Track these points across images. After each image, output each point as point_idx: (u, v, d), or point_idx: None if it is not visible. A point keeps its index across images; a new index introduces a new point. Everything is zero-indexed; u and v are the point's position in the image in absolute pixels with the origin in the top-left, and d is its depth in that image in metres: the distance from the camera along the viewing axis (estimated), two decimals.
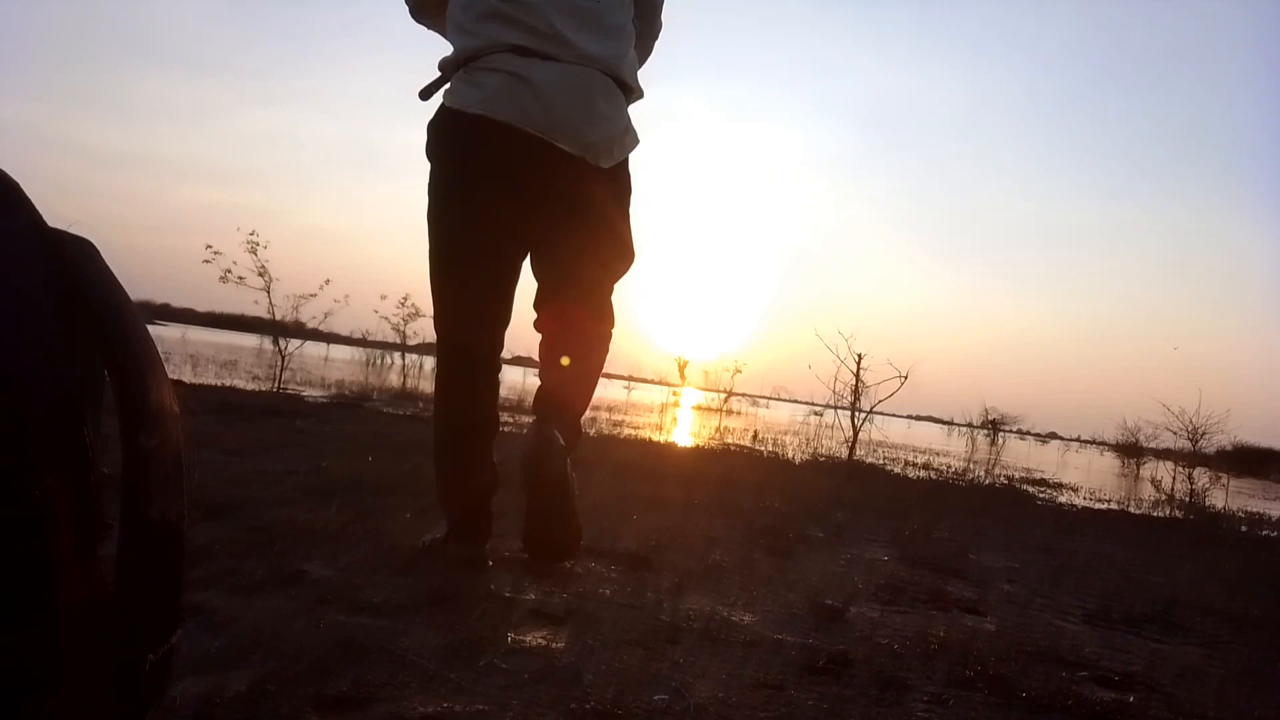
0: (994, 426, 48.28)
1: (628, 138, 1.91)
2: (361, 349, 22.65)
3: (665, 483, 4.53)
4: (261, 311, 9.30)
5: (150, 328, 0.83)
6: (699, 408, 27.64)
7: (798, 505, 4.40)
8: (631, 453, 5.74)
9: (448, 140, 1.87)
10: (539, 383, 2.13)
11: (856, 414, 6.79)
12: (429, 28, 2.13)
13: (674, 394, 54.40)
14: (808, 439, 13.89)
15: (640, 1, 2.06)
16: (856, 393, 6.63)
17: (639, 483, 4.39)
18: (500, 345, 2.01)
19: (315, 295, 9.62)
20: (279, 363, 9.87)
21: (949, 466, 10.33)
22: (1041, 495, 7.54)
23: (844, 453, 7.13)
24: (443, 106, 1.92)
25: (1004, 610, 2.66)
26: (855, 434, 6.79)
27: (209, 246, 8.82)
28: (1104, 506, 7.38)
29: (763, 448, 9.68)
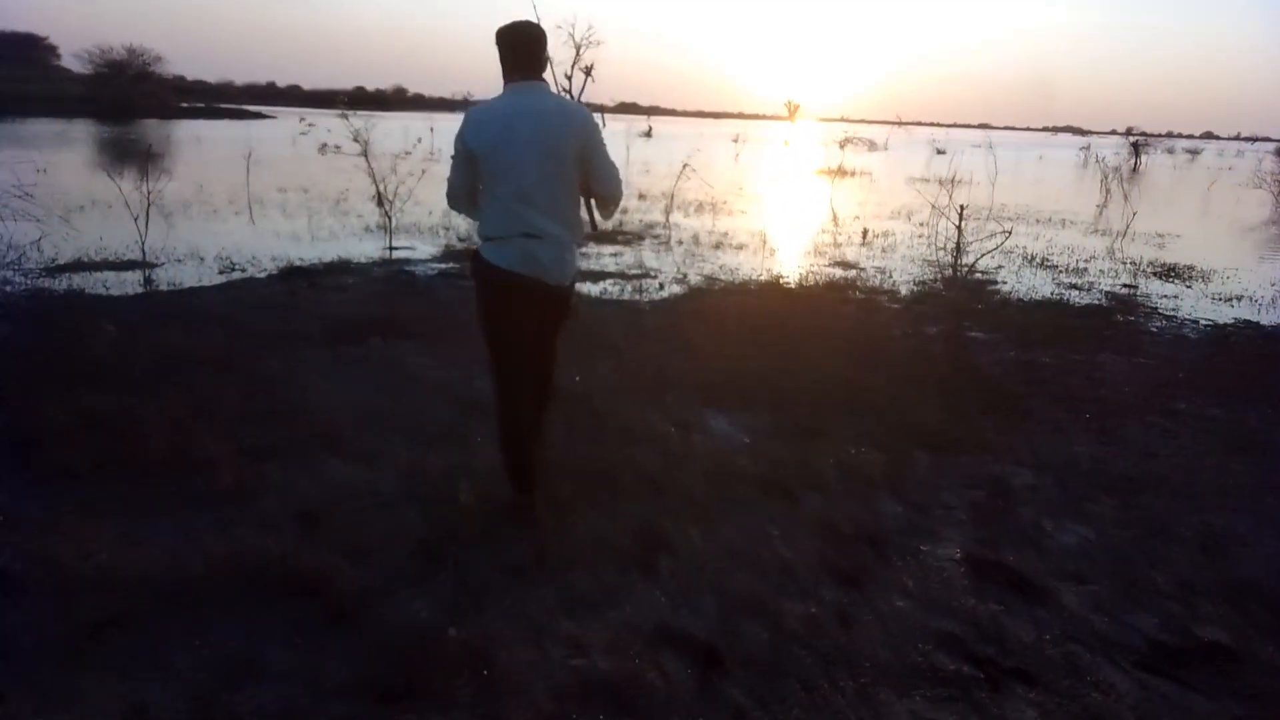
0: (1135, 149, 45.06)
1: (575, 267, 3.37)
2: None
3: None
4: None
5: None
6: (809, 167, 26.85)
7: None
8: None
9: (487, 276, 3.26)
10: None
11: (959, 263, 6.68)
12: (459, 213, 3.49)
13: (785, 143, 52.48)
14: (918, 228, 13.48)
15: (592, 179, 3.31)
16: (959, 248, 6.50)
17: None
18: (528, 364, 3.37)
19: None
20: (389, 224, 10.29)
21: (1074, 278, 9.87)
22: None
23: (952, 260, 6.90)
24: (482, 257, 3.26)
25: None
26: (957, 262, 6.66)
27: None
28: None
29: (867, 262, 9.55)
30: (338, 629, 2.56)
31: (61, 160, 18.57)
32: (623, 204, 14.57)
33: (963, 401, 4.94)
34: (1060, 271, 10.11)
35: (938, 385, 5.22)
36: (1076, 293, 8.82)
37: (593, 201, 3.42)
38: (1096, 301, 8.40)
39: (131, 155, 20.44)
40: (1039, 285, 9.13)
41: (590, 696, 2.27)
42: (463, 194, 3.34)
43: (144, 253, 8.40)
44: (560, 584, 2.84)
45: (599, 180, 3.31)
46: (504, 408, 3.33)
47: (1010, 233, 6.04)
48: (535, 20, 3.35)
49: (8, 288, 7.02)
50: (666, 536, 3.18)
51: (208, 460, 3.64)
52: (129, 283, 7.47)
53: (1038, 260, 10.85)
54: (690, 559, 3.02)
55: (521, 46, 3.23)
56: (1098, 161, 32.32)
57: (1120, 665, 2.54)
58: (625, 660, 2.44)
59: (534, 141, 3.16)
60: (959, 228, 6.48)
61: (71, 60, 62.33)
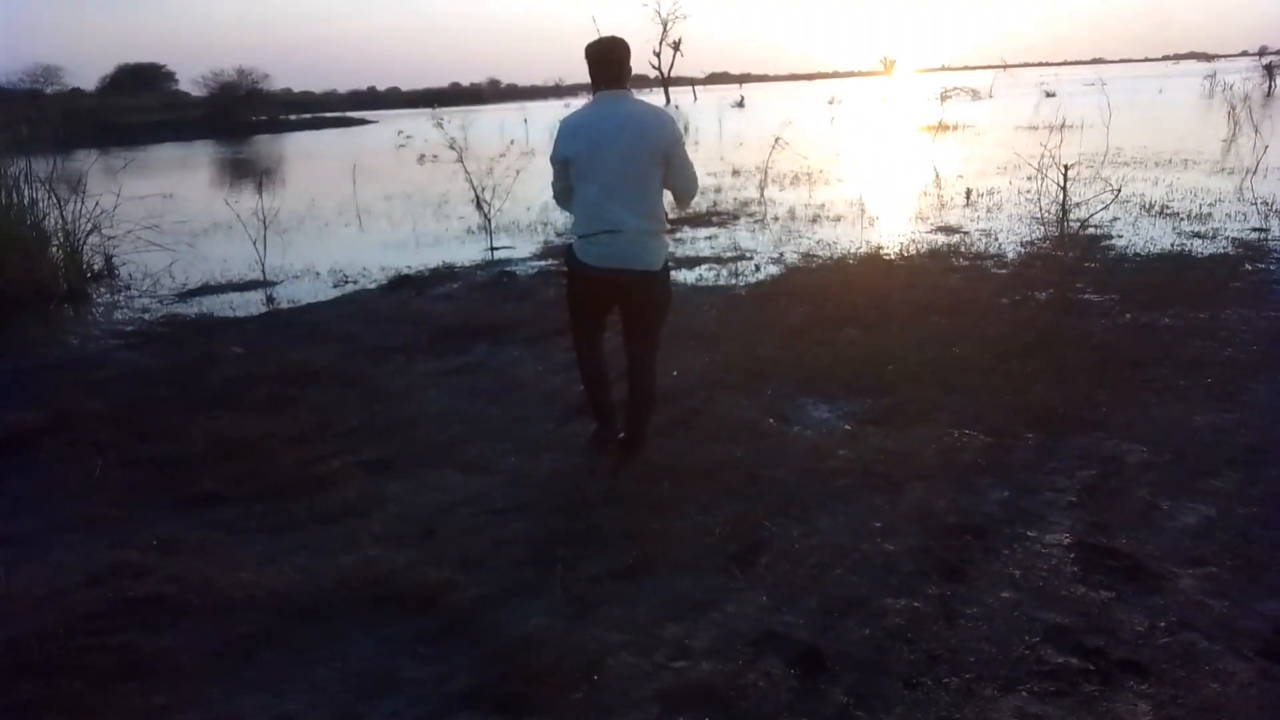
0: (1269, 71, 41.73)
1: (663, 256, 3.76)
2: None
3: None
4: None
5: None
6: (907, 125, 26.04)
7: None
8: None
9: (575, 270, 3.79)
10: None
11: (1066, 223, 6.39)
12: (566, 211, 3.96)
13: (882, 100, 50.91)
14: (1025, 183, 12.94)
15: (671, 175, 3.68)
16: (1064, 209, 6.24)
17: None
18: (603, 329, 4.03)
19: None
20: (488, 225, 10.58)
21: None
22: None
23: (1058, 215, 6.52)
24: (573, 253, 3.76)
25: None
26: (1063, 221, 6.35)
27: None
28: None
29: (972, 223, 9.24)
30: (458, 638, 2.73)
31: (186, 183, 19.76)
32: (717, 181, 14.61)
33: (1074, 374, 4.79)
34: (1181, 219, 9.55)
35: (1047, 357, 5.07)
36: (1200, 242, 8.34)
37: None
38: (1222, 250, 7.93)
39: (248, 174, 21.59)
40: (1157, 237, 8.66)
41: (695, 701, 2.36)
42: (564, 196, 3.86)
43: (264, 272, 8.91)
44: (664, 586, 2.94)
45: (677, 179, 3.73)
46: (583, 362, 4.03)
47: (1119, 190, 5.73)
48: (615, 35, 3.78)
49: (145, 315, 7.58)
50: (766, 534, 3.24)
51: (333, 477, 3.90)
52: (252, 303, 7.95)
53: (1156, 208, 10.26)
54: (790, 556, 3.07)
55: (606, 60, 3.67)
56: (1224, 90, 30.13)
57: (1242, 654, 2.47)
58: (728, 663, 2.52)
59: (619, 146, 3.56)
60: (1063, 188, 6.22)
61: (189, 85, 66.08)
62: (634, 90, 3.79)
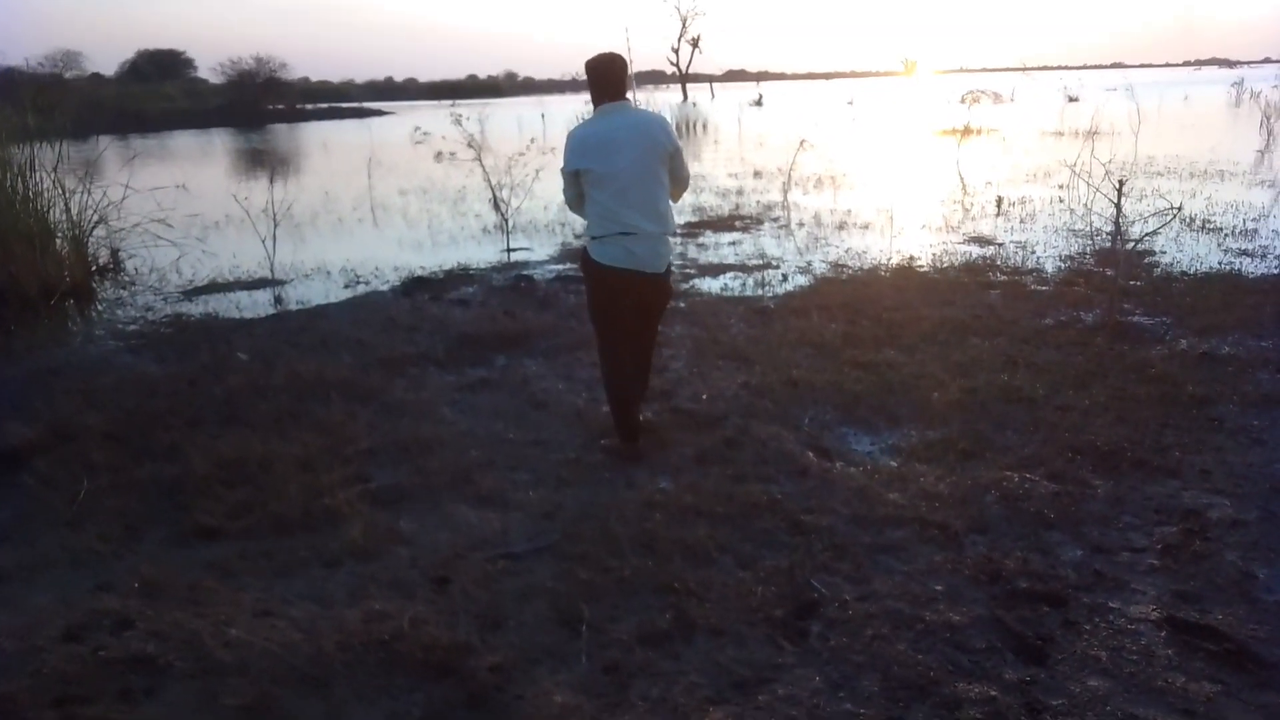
0: None
1: (669, 258, 4.03)
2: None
3: None
4: None
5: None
6: (930, 128, 25.58)
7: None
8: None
9: (593, 271, 3.95)
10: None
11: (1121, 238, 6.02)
12: (575, 214, 4.16)
13: (902, 101, 50.36)
14: (1057, 191, 12.55)
15: (671, 175, 3.96)
16: (1118, 227, 5.88)
17: None
18: (628, 340, 4.08)
19: None
20: (505, 225, 10.29)
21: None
22: None
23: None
24: (590, 255, 3.93)
25: None
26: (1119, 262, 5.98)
27: None
28: None
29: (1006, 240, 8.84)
30: (477, 714, 2.43)
31: (200, 174, 19.50)
32: (739, 183, 14.28)
33: (1136, 408, 4.45)
34: (1226, 235, 9.16)
35: (1104, 389, 4.73)
36: (1249, 260, 7.96)
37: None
38: (1274, 270, 7.55)
39: (262, 166, 21.31)
40: (1203, 254, 8.29)
41: None
42: (576, 203, 4.04)
43: (273, 270, 8.62)
44: (703, 658, 2.63)
45: (675, 176, 4.02)
46: (610, 375, 4.15)
47: (1180, 208, 5.38)
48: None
49: (150, 314, 7.31)
50: (816, 595, 2.92)
51: (339, 509, 3.60)
52: (260, 303, 7.66)
53: (1198, 223, 9.87)
54: (845, 625, 2.75)
55: (607, 74, 3.92)
56: (1252, 97, 29.55)
57: None
58: None
59: (630, 151, 3.82)
60: (1117, 205, 5.86)
61: (208, 72, 65.98)
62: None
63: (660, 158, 3.87)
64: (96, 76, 60.40)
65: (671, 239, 4.03)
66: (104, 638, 2.70)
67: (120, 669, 2.56)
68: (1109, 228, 6.72)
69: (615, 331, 4.03)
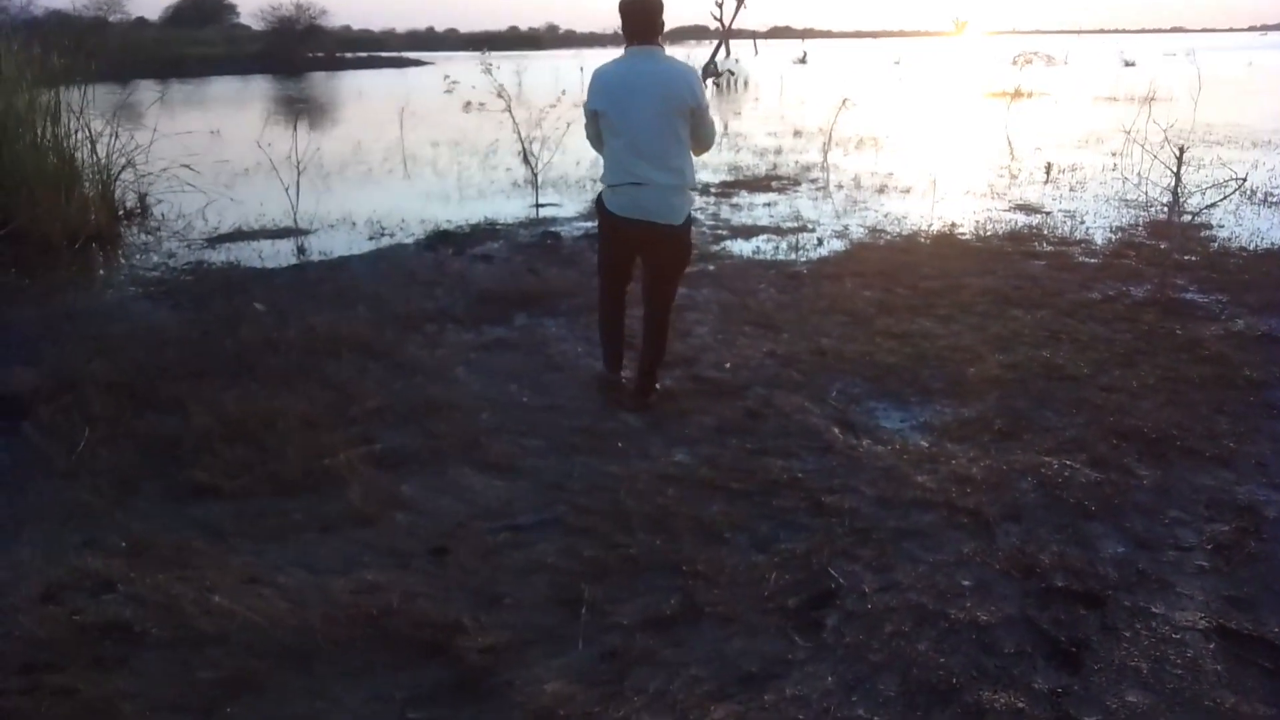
0: None
1: (685, 211, 3.89)
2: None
3: None
4: None
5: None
6: (979, 90, 24.78)
7: None
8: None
9: (604, 218, 3.98)
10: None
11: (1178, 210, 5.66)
12: (596, 151, 4.07)
13: (952, 62, 48.92)
14: (1110, 158, 12.04)
15: (692, 132, 3.82)
16: (1176, 196, 5.52)
17: None
18: (628, 278, 4.16)
19: None
20: (534, 179, 10.05)
21: None
22: None
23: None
24: (602, 201, 3.95)
25: None
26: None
27: None
28: None
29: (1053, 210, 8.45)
30: (461, 701, 2.28)
31: (234, 120, 19.40)
32: (777, 142, 13.88)
33: (1187, 391, 4.18)
34: None
35: (1153, 368, 4.46)
36: None
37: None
38: None
39: (297, 113, 21.17)
40: (1263, 229, 7.86)
41: None
42: (596, 141, 4.01)
43: (296, 220, 8.49)
44: (709, 648, 2.46)
45: (697, 133, 3.87)
46: (603, 311, 4.24)
47: (1245, 179, 5.04)
48: None
49: (171, 261, 7.21)
50: (834, 584, 2.73)
51: (340, 471, 3.46)
52: (283, 253, 7.53)
53: (1259, 195, 9.40)
54: (863, 619, 2.57)
55: (639, 15, 3.76)
56: None
57: None
58: None
59: (648, 101, 3.70)
60: (1176, 174, 5.51)
61: (249, 19, 65.82)
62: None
63: (679, 111, 3.74)
64: (141, 20, 60.49)
65: (691, 191, 3.95)
66: (82, 600, 2.59)
67: (95, 635, 2.44)
68: (1164, 198, 6.34)
69: (614, 272, 4.10)
